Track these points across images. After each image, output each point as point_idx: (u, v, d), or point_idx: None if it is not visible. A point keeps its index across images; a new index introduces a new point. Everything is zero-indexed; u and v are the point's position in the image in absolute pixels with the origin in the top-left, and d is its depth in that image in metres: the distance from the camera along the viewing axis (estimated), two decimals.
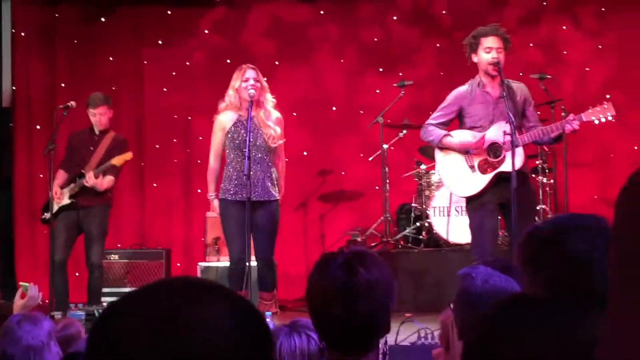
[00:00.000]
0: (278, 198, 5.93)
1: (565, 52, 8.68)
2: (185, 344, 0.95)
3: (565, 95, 7.76)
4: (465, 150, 5.66)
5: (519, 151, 5.47)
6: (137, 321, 0.96)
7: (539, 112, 6.20)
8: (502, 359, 1.24)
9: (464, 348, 1.31)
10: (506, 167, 5.47)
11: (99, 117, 6.87)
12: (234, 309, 1.00)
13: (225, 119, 5.87)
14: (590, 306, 1.71)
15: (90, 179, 6.64)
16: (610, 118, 5.49)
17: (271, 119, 5.87)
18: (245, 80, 5.80)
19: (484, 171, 5.60)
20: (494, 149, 5.57)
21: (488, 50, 5.54)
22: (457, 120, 5.83)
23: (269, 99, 5.91)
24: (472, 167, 5.64)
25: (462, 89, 5.72)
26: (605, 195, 8.43)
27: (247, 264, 5.68)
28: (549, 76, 7.38)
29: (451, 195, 7.44)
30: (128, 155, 6.70)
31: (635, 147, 8.40)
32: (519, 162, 5.42)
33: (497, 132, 5.52)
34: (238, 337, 0.98)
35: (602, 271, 1.66)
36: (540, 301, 1.32)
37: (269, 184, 5.83)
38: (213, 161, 6.01)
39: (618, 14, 8.59)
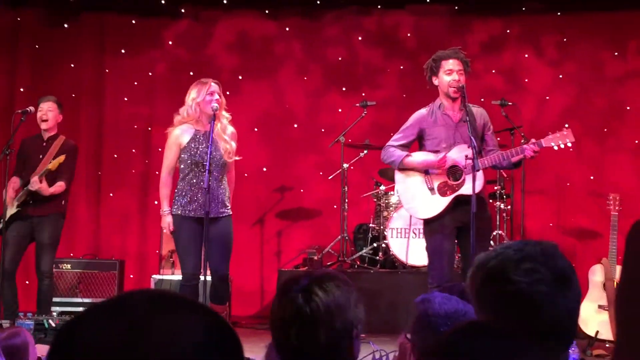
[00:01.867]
0: (231, 213, 5.88)
1: (526, 80, 8.78)
2: (153, 357, 0.91)
3: (525, 123, 7.83)
4: (425, 172, 5.66)
5: (479, 175, 5.48)
6: (103, 333, 0.93)
7: (498, 138, 6.24)
8: None
9: None
10: (465, 190, 5.47)
11: (45, 112, 6.74)
12: (204, 321, 0.97)
13: (181, 133, 5.75)
14: (540, 338, 1.70)
15: (34, 184, 6.53)
16: (569, 144, 5.54)
17: (227, 134, 5.80)
18: (211, 93, 5.71)
19: (443, 194, 5.60)
20: (454, 172, 5.58)
21: (449, 73, 5.57)
22: (417, 143, 5.84)
23: (225, 115, 5.84)
24: (431, 189, 5.64)
25: (423, 111, 5.73)
26: (561, 222, 8.53)
27: (203, 278, 5.61)
28: (510, 103, 7.45)
29: (410, 217, 7.45)
30: (60, 158, 6.56)
31: (591, 177, 8.51)
32: (479, 185, 5.44)
33: (458, 154, 5.53)
34: (208, 350, 0.95)
35: (548, 303, 1.68)
36: (497, 330, 1.31)
37: (224, 198, 5.77)
38: (166, 176, 5.81)
39: (579, 45, 8.71)
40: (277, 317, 2.04)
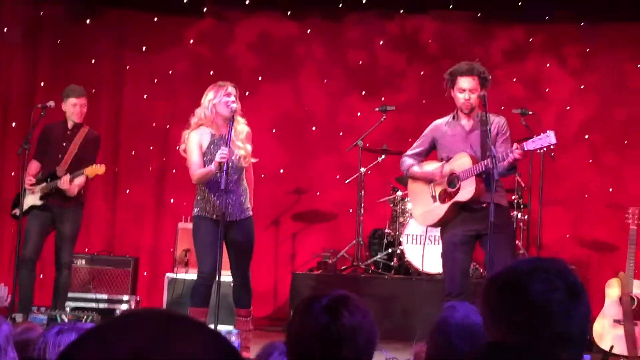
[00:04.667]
0: (251, 214, 5.86)
1: (547, 89, 8.73)
2: None
3: (545, 132, 7.77)
4: (429, 180, 5.70)
5: (471, 181, 5.49)
6: (106, 358, 0.90)
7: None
8: None
9: None
10: (461, 197, 5.51)
11: (80, 108, 6.77)
12: (205, 344, 0.94)
13: (200, 137, 5.72)
14: (552, 350, 1.70)
15: (64, 184, 6.53)
16: (551, 147, 5.51)
17: (240, 138, 5.78)
18: (227, 94, 5.69)
19: (442, 201, 5.66)
20: (452, 179, 5.60)
21: (461, 91, 5.58)
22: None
23: (240, 120, 5.82)
24: (433, 197, 5.71)
25: (439, 120, 5.79)
26: (578, 234, 8.47)
27: (217, 278, 5.61)
28: (530, 112, 7.41)
29: None
30: (100, 170, 6.54)
31: (610, 189, 8.44)
32: (468, 193, 5.45)
33: (457, 162, 5.56)
34: None
35: (562, 312, 1.70)
36: (513, 349, 1.29)
37: (243, 201, 5.77)
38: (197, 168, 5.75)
39: (602, 56, 8.65)
40: (299, 333, 2.04)
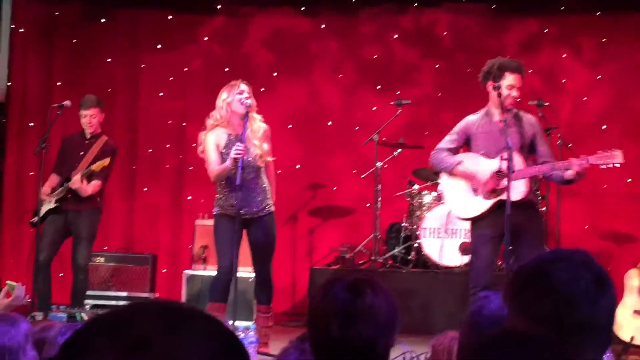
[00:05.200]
0: (272, 210, 5.88)
1: (564, 80, 8.68)
2: None
3: (562, 123, 7.74)
4: (471, 177, 5.67)
5: (521, 182, 5.50)
6: (106, 351, 0.89)
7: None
8: None
9: None
10: (511, 196, 5.49)
11: (89, 118, 6.81)
12: (212, 339, 0.93)
13: (217, 138, 5.74)
14: (578, 340, 1.69)
15: (75, 182, 6.58)
16: (617, 165, 5.49)
17: (257, 136, 5.78)
18: (240, 92, 5.71)
19: (487, 196, 5.59)
20: (499, 177, 5.56)
21: (510, 88, 5.55)
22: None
23: (255, 117, 5.83)
24: (475, 190, 5.65)
25: (471, 117, 5.73)
26: (596, 225, 8.42)
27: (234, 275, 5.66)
28: (546, 103, 7.37)
29: (445, 217, 7.41)
30: (105, 162, 6.60)
31: (629, 180, 8.38)
32: (520, 194, 5.44)
33: (504, 161, 5.51)
34: None
35: (586, 301, 1.70)
36: (529, 338, 1.28)
37: (261, 198, 5.79)
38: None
39: (618, 46, 8.59)
40: (320, 309, 2.04)
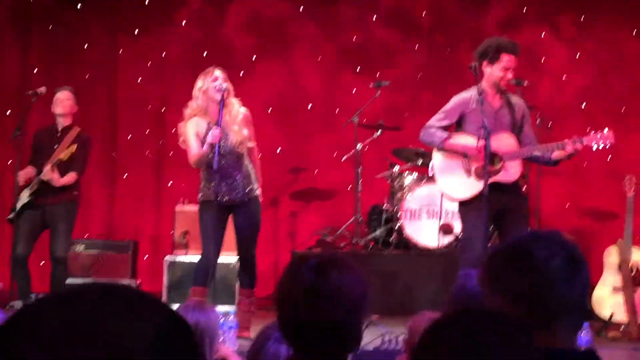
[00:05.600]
0: (258, 194, 5.87)
1: (543, 59, 8.68)
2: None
3: (541, 102, 7.75)
4: (464, 154, 5.65)
5: (517, 164, 5.59)
6: (44, 333, 0.87)
7: None
8: None
9: (413, 354, 1.25)
10: (505, 177, 5.52)
11: (62, 101, 6.71)
12: (154, 324, 0.91)
13: (197, 126, 5.71)
14: (553, 318, 1.71)
15: (46, 174, 6.52)
16: (608, 146, 5.53)
17: (237, 122, 5.75)
18: (215, 79, 5.67)
19: (479, 177, 5.58)
20: (493, 159, 5.56)
21: (505, 69, 5.57)
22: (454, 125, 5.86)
23: (234, 102, 5.79)
24: (468, 171, 5.65)
25: (465, 95, 5.70)
26: (577, 203, 8.45)
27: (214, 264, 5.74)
28: (525, 82, 7.36)
29: (426, 198, 7.42)
30: (72, 148, 6.53)
31: (609, 158, 8.40)
32: (514, 175, 5.56)
33: (497, 142, 5.52)
34: (158, 352, 0.89)
35: (562, 280, 1.74)
36: (498, 317, 1.28)
37: (245, 183, 5.78)
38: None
39: (597, 23, 8.60)
40: (287, 291, 2.04)
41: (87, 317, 0.89)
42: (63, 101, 6.71)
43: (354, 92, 8.66)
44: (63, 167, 6.58)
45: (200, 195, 5.85)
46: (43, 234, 6.83)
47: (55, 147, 6.69)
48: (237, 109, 5.78)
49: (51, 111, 6.82)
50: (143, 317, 0.91)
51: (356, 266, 2.09)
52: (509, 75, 5.59)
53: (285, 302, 2.03)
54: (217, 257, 5.81)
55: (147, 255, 8.61)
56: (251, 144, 5.85)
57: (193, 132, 5.70)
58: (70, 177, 6.62)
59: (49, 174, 6.50)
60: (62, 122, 6.75)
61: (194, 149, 5.68)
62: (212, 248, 5.73)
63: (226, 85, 5.65)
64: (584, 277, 1.78)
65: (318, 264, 2.04)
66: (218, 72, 5.72)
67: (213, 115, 5.69)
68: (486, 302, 1.83)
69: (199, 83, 5.72)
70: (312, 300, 1.98)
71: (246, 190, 5.79)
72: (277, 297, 2.07)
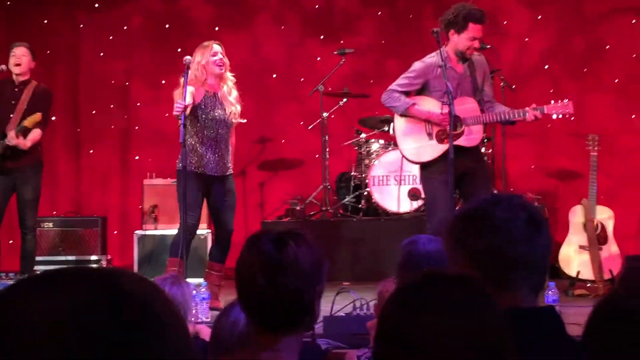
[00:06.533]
0: (232, 173, 6.00)
1: (505, 22, 8.71)
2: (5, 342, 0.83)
3: (504, 66, 7.79)
4: (426, 119, 5.70)
5: (478, 129, 5.63)
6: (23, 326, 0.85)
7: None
8: (413, 339, 1.22)
9: (378, 323, 1.28)
10: (467, 142, 5.56)
11: (19, 57, 6.63)
12: (69, 298, 0.86)
13: (194, 91, 5.74)
14: (515, 277, 1.75)
15: (11, 140, 6.48)
16: (567, 116, 5.66)
17: (232, 96, 5.91)
18: (214, 54, 5.82)
19: (440, 141, 5.64)
20: (455, 122, 5.60)
21: (472, 39, 5.59)
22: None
23: (230, 77, 5.94)
24: (429, 134, 5.70)
25: (429, 60, 5.71)
26: (542, 164, 8.53)
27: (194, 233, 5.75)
28: (488, 46, 7.38)
29: (393, 164, 7.46)
30: (37, 117, 6.47)
31: (572, 118, 8.47)
32: (475, 139, 5.61)
33: (460, 106, 5.56)
34: (75, 325, 0.84)
35: (523, 239, 1.78)
36: (460, 279, 1.31)
37: (228, 158, 5.90)
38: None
39: None
40: (246, 263, 2.07)
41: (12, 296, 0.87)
42: (20, 57, 6.66)
43: (318, 60, 8.64)
44: (23, 131, 6.53)
45: (180, 164, 5.77)
46: (11, 208, 6.77)
47: (13, 102, 6.61)
48: (233, 84, 5.96)
49: (9, 70, 6.73)
50: (54, 295, 0.87)
51: (313, 239, 2.13)
52: (476, 44, 5.62)
53: (245, 274, 2.07)
54: (196, 229, 5.86)
55: (116, 231, 8.59)
56: (241, 120, 5.98)
57: (191, 91, 5.65)
58: (35, 135, 6.55)
59: (14, 140, 6.46)
60: (19, 79, 6.69)
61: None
62: (190, 219, 5.71)
63: (225, 60, 5.85)
64: (545, 238, 1.82)
65: (276, 237, 2.08)
66: (217, 47, 5.87)
67: (212, 87, 5.85)
68: (451, 265, 1.87)
69: (198, 57, 5.81)
70: (271, 271, 2.03)
71: (228, 165, 5.91)
72: (237, 270, 2.10)
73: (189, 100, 5.51)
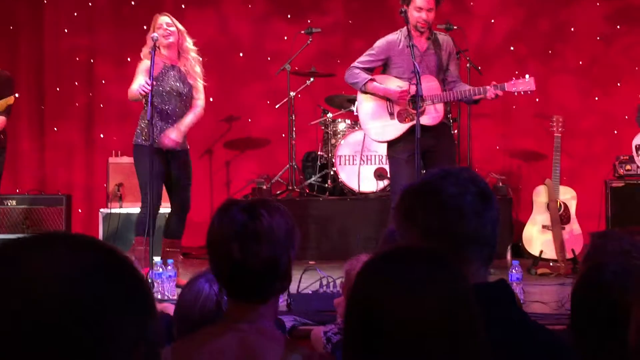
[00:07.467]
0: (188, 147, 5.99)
1: (471, 3, 8.74)
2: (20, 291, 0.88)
3: (470, 46, 7.83)
4: (387, 98, 5.74)
5: (439, 107, 5.65)
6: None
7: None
8: (384, 309, 1.24)
9: (347, 302, 1.29)
10: (424, 120, 5.58)
11: None
12: (76, 256, 0.92)
13: (148, 65, 5.72)
14: (465, 252, 1.76)
15: None
16: (529, 92, 5.72)
17: (195, 70, 5.91)
18: (159, 27, 5.78)
19: (402, 120, 5.69)
20: (415, 100, 5.63)
21: (418, 10, 5.61)
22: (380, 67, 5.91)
23: (190, 47, 5.91)
24: (391, 114, 5.75)
25: (392, 38, 5.77)
26: (507, 145, 8.60)
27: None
28: (455, 27, 7.43)
29: (359, 144, 7.48)
30: (10, 99, 6.38)
31: (537, 99, 8.56)
32: (436, 118, 5.63)
33: (422, 85, 5.58)
34: (81, 281, 0.91)
35: (472, 214, 1.78)
36: (421, 253, 1.32)
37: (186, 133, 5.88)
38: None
39: None
40: (219, 234, 2.07)
41: (6, 258, 0.90)
42: None
43: (285, 39, 8.61)
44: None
45: (138, 138, 5.78)
46: None
47: None
48: (196, 57, 5.94)
49: None
50: (66, 253, 0.91)
51: (282, 207, 2.14)
52: (424, 15, 5.63)
53: (219, 245, 2.06)
54: (159, 205, 5.80)
55: (80, 209, 8.53)
56: (199, 95, 5.95)
57: (144, 67, 5.73)
58: (1, 122, 6.47)
59: None
60: None
61: (134, 83, 5.71)
62: (157, 194, 5.69)
63: (155, 35, 5.72)
64: (494, 212, 1.81)
65: (247, 206, 2.08)
66: (163, 19, 5.82)
67: (168, 58, 5.84)
68: (402, 238, 1.86)
69: (150, 31, 5.81)
70: (246, 240, 2.02)
71: (185, 140, 5.87)
72: (209, 240, 2.09)
73: (145, 78, 5.52)
